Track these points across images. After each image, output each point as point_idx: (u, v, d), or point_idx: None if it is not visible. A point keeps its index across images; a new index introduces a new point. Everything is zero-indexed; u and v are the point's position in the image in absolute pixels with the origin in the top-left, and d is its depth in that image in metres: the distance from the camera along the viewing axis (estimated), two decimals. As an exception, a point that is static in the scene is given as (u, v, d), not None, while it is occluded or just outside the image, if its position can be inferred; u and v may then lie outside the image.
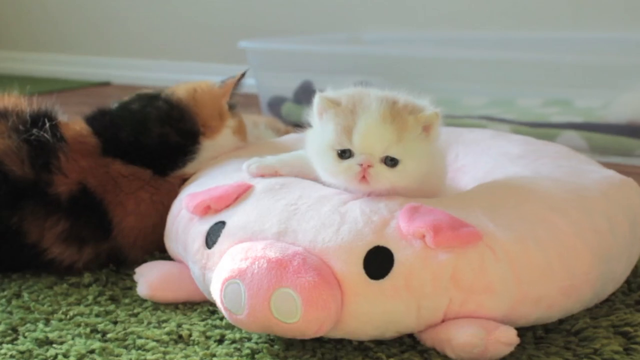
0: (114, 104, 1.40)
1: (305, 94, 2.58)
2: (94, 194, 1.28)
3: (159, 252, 1.31)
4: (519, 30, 2.89)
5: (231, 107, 1.42)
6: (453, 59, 2.52)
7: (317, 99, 1.10)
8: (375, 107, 1.06)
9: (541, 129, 2.24)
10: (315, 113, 1.11)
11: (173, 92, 1.40)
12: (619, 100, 2.33)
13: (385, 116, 1.05)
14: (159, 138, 1.35)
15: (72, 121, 1.36)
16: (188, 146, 1.36)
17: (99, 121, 1.37)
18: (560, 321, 1.09)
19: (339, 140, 1.06)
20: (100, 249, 1.29)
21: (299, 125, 1.22)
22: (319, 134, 1.10)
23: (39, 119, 1.29)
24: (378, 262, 0.99)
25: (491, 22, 2.95)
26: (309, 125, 1.15)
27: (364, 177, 1.05)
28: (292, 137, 1.48)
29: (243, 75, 1.42)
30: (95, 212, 1.29)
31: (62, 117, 1.36)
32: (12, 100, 1.33)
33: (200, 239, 1.13)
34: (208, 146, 1.38)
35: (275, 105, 2.67)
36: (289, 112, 2.59)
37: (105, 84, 3.55)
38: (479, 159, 1.36)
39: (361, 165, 1.04)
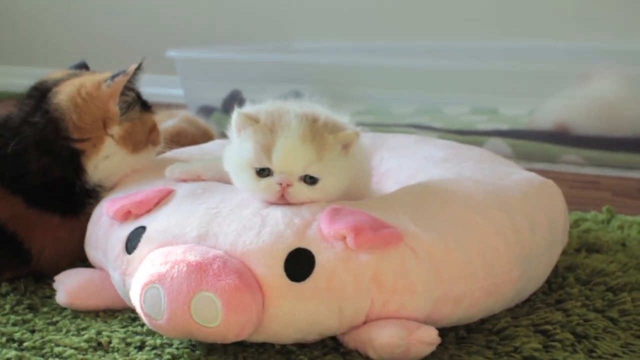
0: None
1: (234, 104, 2.56)
2: (4, 227, 1.20)
3: (80, 260, 1.28)
4: (445, 40, 2.93)
5: (129, 107, 1.24)
6: (381, 67, 2.55)
7: (235, 116, 1.09)
8: (294, 125, 1.05)
9: (468, 136, 2.27)
10: (233, 129, 1.10)
11: (57, 92, 1.22)
12: (543, 107, 2.37)
13: (305, 135, 1.04)
14: (41, 175, 1.20)
15: None
16: (75, 181, 1.21)
17: None
18: (482, 321, 1.09)
19: (258, 159, 1.05)
20: (20, 273, 1.25)
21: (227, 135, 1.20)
22: (237, 151, 1.08)
23: None
24: (299, 264, 0.98)
25: (419, 32, 2.98)
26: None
27: (282, 195, 1.04)
28: (217, 143, 1.47)
29: (139, 67, 1.23)
30: (8, 244, 1.21)
31: None
32: None
33: (120, 245, 1.10)
34: (98, 167, 1.22)
35: (204, 115, 2.65)
36: (218, 121, 2.57)
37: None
38: (403, 163, 1.37)
39: (280, 184, 1.04)
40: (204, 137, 1.63)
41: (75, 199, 1.23)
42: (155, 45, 3.13)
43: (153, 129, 1.29)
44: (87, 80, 1.24)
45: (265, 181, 1.05)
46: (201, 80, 2.75)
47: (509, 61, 2.58)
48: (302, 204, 1.05)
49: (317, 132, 1.05)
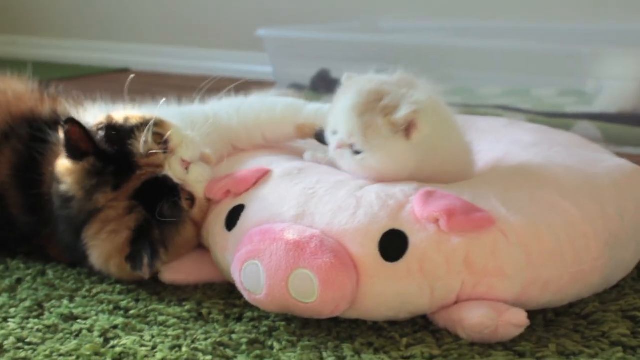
0: None
1: (322, 82, 2.61)
2: None
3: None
4: (534, 20, 2.90)
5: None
6: (469, 47, 2.54)
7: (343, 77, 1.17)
8: (349, 97, 1.11)
9: (556, 119, 2.25)
10: None
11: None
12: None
13: (355, 108, 1.09)
14: None
15: None
16: None
17: None
18: (570, 305, 1.11)
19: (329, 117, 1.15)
20: None
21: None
22: None
23: None
24: (393, 245, 1.02)
25: (507, 12, 2.96)
26: None
27: None
28: None
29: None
30: None
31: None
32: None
33: (220, 222, 1.16)
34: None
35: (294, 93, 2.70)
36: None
37: (124, 70, 3.58)
38: (492, 146, 1.38)
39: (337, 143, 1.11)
40: None
41: None
42: (244, 23, 3.18)
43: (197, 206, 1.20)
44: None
45: (333, 137, 1.13)
46: (290, 59, 2.79)
47: (599, 43, 2.55)
48: (394, 184, 1.09)
49: (368, 109, 1.09)
